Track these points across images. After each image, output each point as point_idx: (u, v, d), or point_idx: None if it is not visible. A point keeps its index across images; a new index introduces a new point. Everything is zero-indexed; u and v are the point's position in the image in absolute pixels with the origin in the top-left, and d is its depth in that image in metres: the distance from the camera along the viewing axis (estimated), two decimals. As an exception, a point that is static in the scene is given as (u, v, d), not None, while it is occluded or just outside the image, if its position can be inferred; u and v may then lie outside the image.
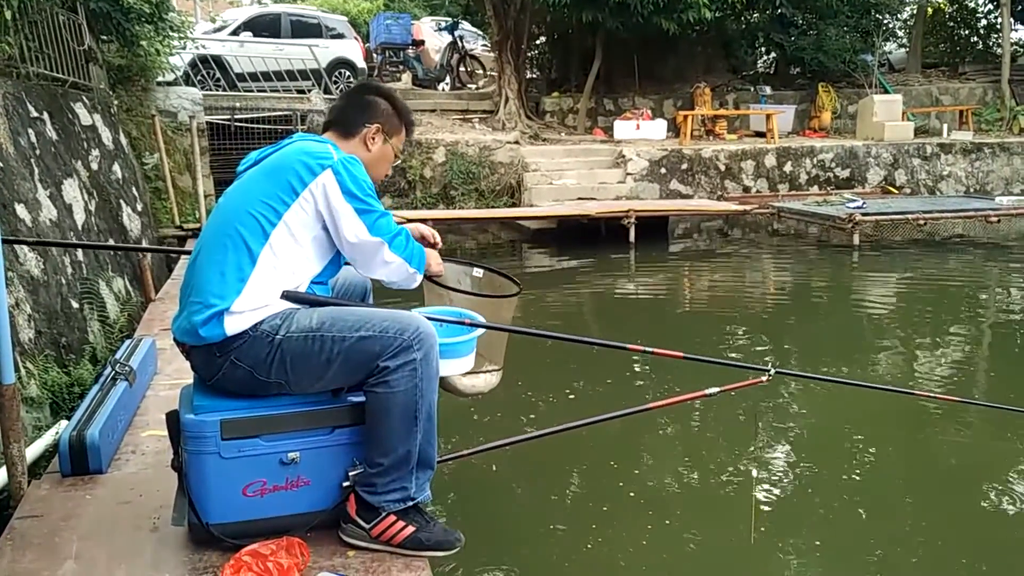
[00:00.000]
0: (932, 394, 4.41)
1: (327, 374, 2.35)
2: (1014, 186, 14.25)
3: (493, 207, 12.28)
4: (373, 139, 2.62)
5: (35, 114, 5.75)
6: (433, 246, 2.79)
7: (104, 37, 8.71)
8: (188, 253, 2.68)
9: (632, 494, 3.99)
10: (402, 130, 2.71)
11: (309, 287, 2.42)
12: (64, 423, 3.40)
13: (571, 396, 5.33)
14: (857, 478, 4.15)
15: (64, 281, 5.02)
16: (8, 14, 5.56)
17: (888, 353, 6.36)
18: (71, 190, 5.88)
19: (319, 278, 2.46)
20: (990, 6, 19.09)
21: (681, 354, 3.10)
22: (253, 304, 2.30)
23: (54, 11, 6.78)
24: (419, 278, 2.56)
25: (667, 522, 3.75)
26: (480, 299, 2.87)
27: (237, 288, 2.28)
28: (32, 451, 3.21)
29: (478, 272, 2.99)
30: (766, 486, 4.03)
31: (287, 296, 2.35)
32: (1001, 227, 11.55)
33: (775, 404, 5.06)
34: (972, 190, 14.08)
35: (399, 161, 2.70)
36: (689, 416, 4.86)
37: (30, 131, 5.48)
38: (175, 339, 2.43)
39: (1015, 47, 18.32)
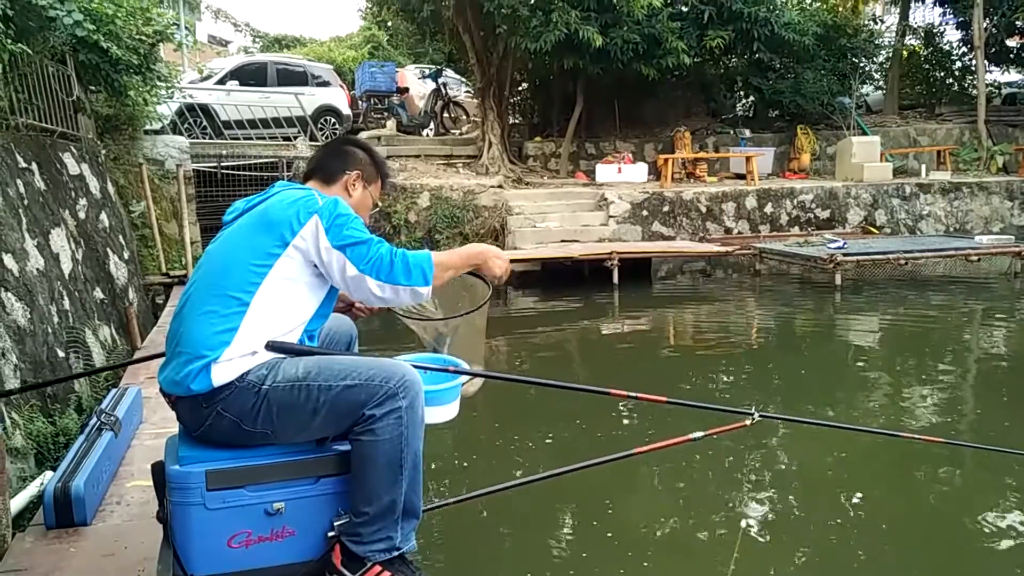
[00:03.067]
0: (916, 436, 4.42)
1: (313, 423, 2.36)
2: (993, 225, 14.46)
3: (478, 251, 12.31)
4: (354, 185, 2.68)
5: (24, 164, 5.79)
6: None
7: (92, 87, 8.79)
8: (160, 356, 2.61)
9: (609, 534, 3.99)
10: (378, 180, 2.78)
11: (301, 338, 2.45)
12: (49, 474, 3.40)
13: (555, 440, 5.34)
14: (842, 521, 4.16)
15: (50, 330, 5.02)
16: (-2, 67, 5.63)
17: (872, 393, 6.40)
18: (59, 239, 5.90)
19: (308, 328, 2.49)
20: (964, 49, 19.50)
21: (665, 399, 3.13)
22: (240, 354, 2.32)
23: (44, 63, 6.85)
24: (423, 290, 2.45)
25: (645, 564, 3.75)
26: (456, 301, 2.89)
27: (225, 340, 2.31)
28: (16, 503, 3.21)
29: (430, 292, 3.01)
30: (749, 529, 4.05)
31: (272, 346, 2.37)
32: (982, 265, 11.71)
33: (759, 447, 5.08)
34: (952, 229, 14.27)
35: (377, 209, 2.74)
36: (673, 460, 4.86)
37: (18, 181, 5.51)
38: (161, 389, 2.44)
39: (990, 88, 18.69)
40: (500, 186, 13.59)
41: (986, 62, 17.46)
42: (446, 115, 17.55)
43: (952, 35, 20.01)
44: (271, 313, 2.37)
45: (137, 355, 6.10)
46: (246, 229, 2.45)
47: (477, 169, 14.77)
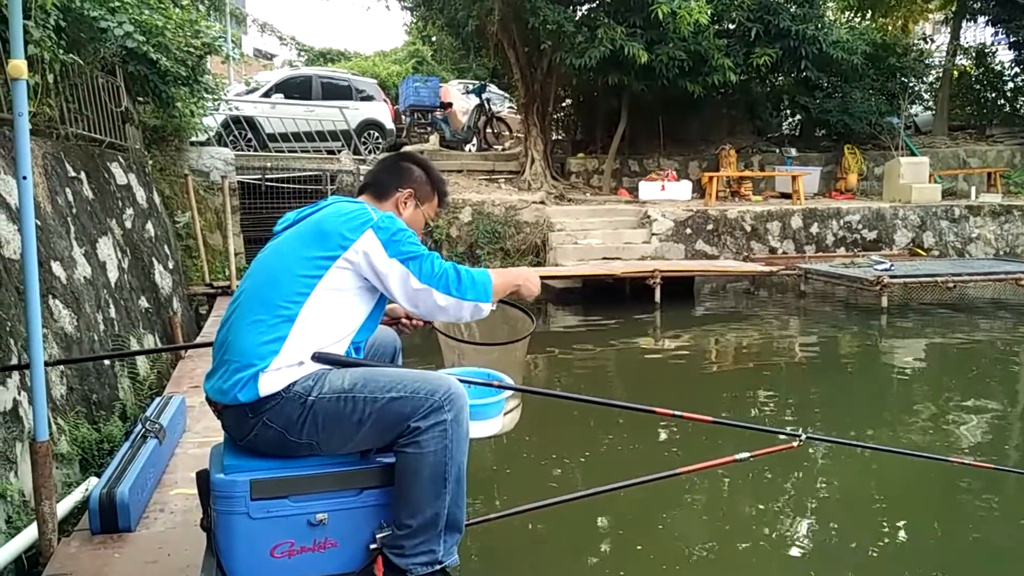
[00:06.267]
0: (964, 461, 4.31)
1: (358, 435, 2.35)
2: (1045, 249, 14.15)
3: (519, 266, 12.32)
4: (405, 203, 2.67)
5: (73, 174, 5.88)
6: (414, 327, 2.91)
7: (141, 99, 8.92)
8: (208, 344, 2.67)
9: (639, 547, 3.94)
10: (434, 198, 2.77)
11: (348, 349, 2.44)
12: (93, 480, 3.43)
13: (596, 458, 5.28)
14: (886, 547, 4.06)
15: (96, 338, 5.08)
16: (50, 77, 5.73)
17: (919, 417, 6.27)
18: (105, 248, 5.98)
19: (355, 340, 2.48)
20: (1016, 69, 19.13)
21: (711, 418, 3.07)
22: (288, 364, 2.31)
23: (94, 74, 6.96)
24: (484, 307, 2.52)
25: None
26: (495, 332, 2.87)
27: (273, 349, 2.30)
28: (62, 508, 3.23)
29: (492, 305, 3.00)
30: (794, 553, 3.96)
31: (318, 358, 2.37)
32: (1032, 290, 11.43)
33: (803, 468, 4.98)
34: (1002, 252, 13.97)
35: (430, 228, 2.75)
36: (714, 479, 4.79)
37: (67, 190, 5.60)
38: (207, 398, 2.45)
39: (1043, 109, 18.32)
40: (542, 202, 13.58)
41: (1039, 83, 17.13)
42: (489, 130, 17.60)
43: (1004, 55, 19.60)
44: (319, 324, 2.37)
45: (180, 365, 6.16)
46: (297, 240, 2.45)
47: (519, 185, 14.79)
